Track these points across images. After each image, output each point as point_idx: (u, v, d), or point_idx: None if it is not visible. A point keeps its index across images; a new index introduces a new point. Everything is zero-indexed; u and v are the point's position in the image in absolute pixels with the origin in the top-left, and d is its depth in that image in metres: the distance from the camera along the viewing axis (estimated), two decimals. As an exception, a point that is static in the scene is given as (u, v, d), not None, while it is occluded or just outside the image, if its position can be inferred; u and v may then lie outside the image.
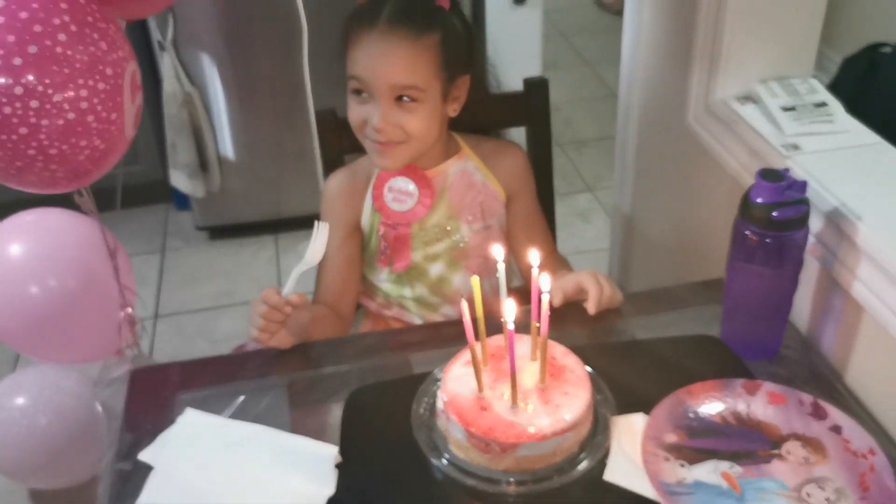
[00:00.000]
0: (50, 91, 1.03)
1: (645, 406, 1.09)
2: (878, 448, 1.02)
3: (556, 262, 1.50)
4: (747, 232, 1.11)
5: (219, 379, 1.24)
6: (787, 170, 1.10)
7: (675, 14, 1.59)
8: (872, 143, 1.31)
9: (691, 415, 1.09)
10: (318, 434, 1.11)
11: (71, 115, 1.05)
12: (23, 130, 1.03)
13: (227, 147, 2.82)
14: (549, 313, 1.03)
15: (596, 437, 1.06)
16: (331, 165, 1.55)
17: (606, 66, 4.07)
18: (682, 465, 1.03)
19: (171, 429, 1.12)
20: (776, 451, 1.04)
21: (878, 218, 1.12)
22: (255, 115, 2.79)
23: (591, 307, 1.26)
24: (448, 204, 1.43)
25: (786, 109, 1.35)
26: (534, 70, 2.79)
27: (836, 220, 1.16)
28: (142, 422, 1.15)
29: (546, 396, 1.04)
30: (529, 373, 1.08)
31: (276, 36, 2.62)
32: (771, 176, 1.09)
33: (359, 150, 1.50)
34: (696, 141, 1.53)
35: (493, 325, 1.08)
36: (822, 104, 1.37)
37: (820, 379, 1.18)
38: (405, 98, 1.29)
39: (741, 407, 1.10)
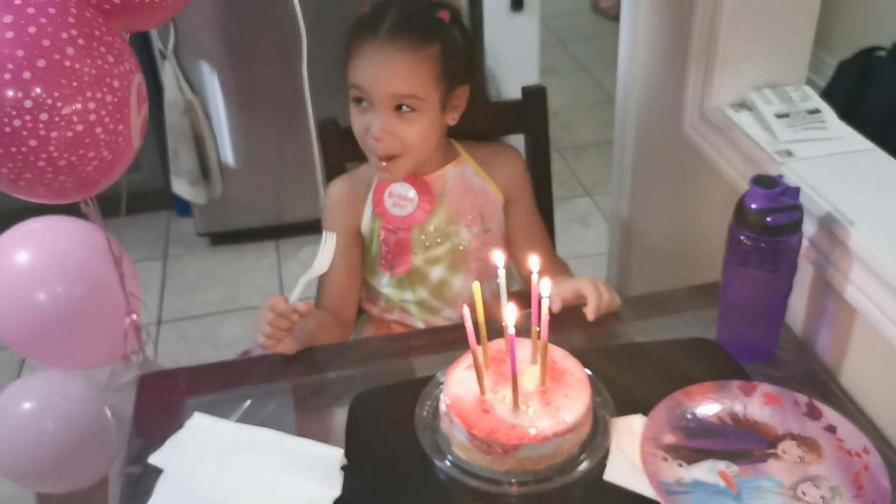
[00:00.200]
0: (59, 104, 1.05)
1: (643, 408, 1.12)
2: (872, 447, 1.04)
3: (556, 267, 1.52)
4: (742, 237, 1.13)
5: (226, 384, 1.26)
6: (780, 176, 1.13)
7: (670, 22, 1.61)
8: (865, 149, 1.33)
9: (689, 416, 1.11)
10: (324, 437, 1.13)
11: (79, 127, 1.07)
12: (32, 142, 1.05)
13: (229, 154, 2.84)
14: (548, 318, 1.05)
15: (596, 439, 1.08)
16: (333, 174, 1.56)
17: (604, 71, 4.09)
18: (681, 465, 1.05)
19: (179, 433, 1.14)
20: (772, 451, 1.06)
21: (869, 223, 1.14)
22: (256, 123, 2.81)
23: (590, 314, 1.28)
24: (447, 208, 1.45)
25: (779, 116, 1.38)
26: (532, 76, 2.80)
27: (829, 225, 1.18)
28: (151, 426, 1.17)
29: (547, 399, 1.06)
30: (530, 376, 1.10)
31: (276, 44, 2.64)
32: (765, 182, 1.11)
33: (360, 158, 1.52)
34: (693, 147, 1.56)
35: (495, 329, 1.10)
36: (816, 111, 1.39)
37: (815, 380, 1.21)
38: (404, 107, 1.31)
39: (738, 408, 1.12)
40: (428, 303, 1.50)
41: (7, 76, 1.02)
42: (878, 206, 1.19)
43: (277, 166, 2.88)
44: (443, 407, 1.09)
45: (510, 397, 1.05)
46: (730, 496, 1.00)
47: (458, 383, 1.09)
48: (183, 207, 3.10)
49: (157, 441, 1.13)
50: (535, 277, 1.10)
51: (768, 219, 1.10)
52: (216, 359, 2.45)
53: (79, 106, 1.07)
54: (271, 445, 1.11)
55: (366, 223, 1.47)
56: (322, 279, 1.47)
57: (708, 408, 1.12)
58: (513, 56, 2.77)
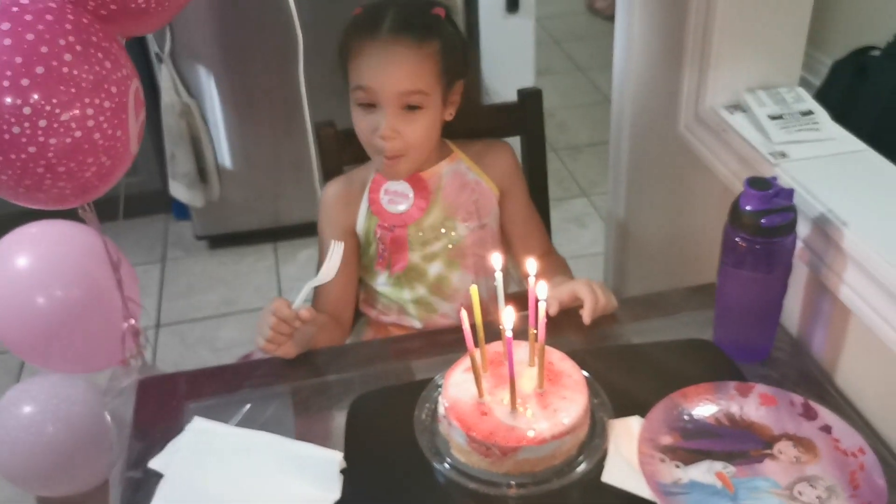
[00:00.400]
0: (57, 110, 1.05)
1: (641, 409, 1.12)
2: (868, 447, 1.05)
3: (554, 263, 1.53)
4: (737, 239, 1.14)
5: (225, 388, 1.26)
6: (774, 178, 1.14)
7: (664, 23, 1.62)
8: (857, 150, 1.34)
9: (686, 417, 1.12)
10: (323, 440, 1.14)
11: (78, 134, 1.08)
12: (31, 149, 1.05)
13: (226, 157, 2.85)
14: (545, 321, 1.06)
15: (594, 440, 1.09)
16: (330, 176, 1.57)
17: (599, 71, 4.11)
18: (678, 466, 1.05)
19: (179, 437, 1.15)
20: (768, 451, 1.07)
21: (863, 224, 1.15)
22: (253, 125, 2.82)
23: (586, 317, 1.29)
24: (443, 204, 1.46)
25: (773, 118, 1.38)
26: (527, 77, 2.81)
27: (823, 226, 1.19)
28: (151, 430, 1.18)
29: (545, 401, 1.07)
30: (528, 378, 1.10)
31: (272, 47, 2.65)
32: (759, 184, 1.12)
33: (358, 160, 1.53)
34: (688, 148, 1.56)
35: (492, 331, 1.11)
36: (809, 112, 1.40)
37: (810, 380, 1.21)
38: (411, 106, 1.32)
39: (734, 408, 1.13)
40: (426, 300, 1.50)
41: (5, 83, 1.03)
42: (871, 207, 1.20)
43: (275, 168, 2.89)
44: (441, 410, 1.10)
45: (508, 400, 1.06)
46: (727, 497, 1.01)
47: (457, 386, 1.10)
48: (180, 210, 3.11)
49: (158, 445, 1.14)
50: (531, 280, 1.11)
51: (763, 220, 1.11)
52: (215, 362, 2.47)
53: (77, 112, 1.08)
54: (271, 449, 1.12)
55: (361, 222, 1.48)
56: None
57: (704, 409, 1.13)
58: (508, 57, 2.78)
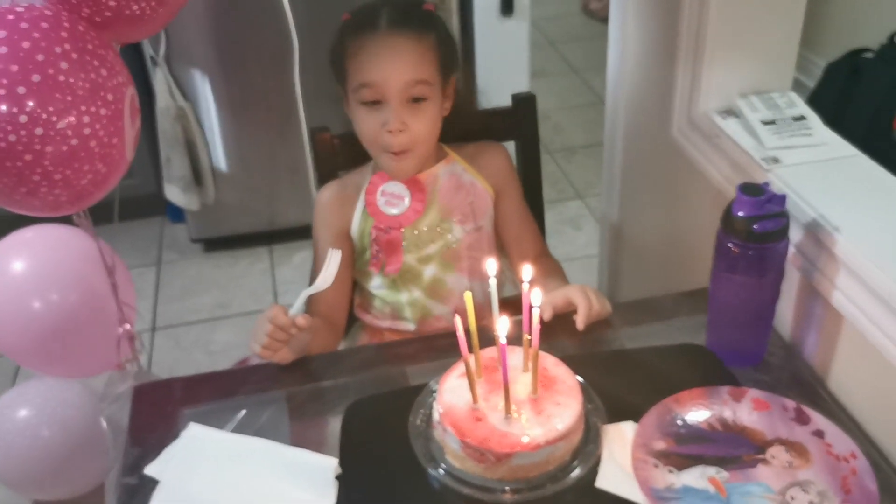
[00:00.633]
0: (53, 118, 1.06)
1: (634, 414, 1.13)
2: (860, 451, 1.05)
3: (548, 266, 1.53)
4: (730, 244, 1.15)
5: (221, 394, 1.27)
6: (766, 184, 1.14)
7: (658, 26, 1.63)
8: (849, 155, 1.35)
9: (679, 422, 1.13)
10: (318, 446, 1.14)
11: (74, 141, 1.08)
12: (28, 157, 1.06)
13: (221, 160, 2.85)
14: (539, 327, 1.06)
15: (587, 446, 1.09)
16: (325, 181, 1.57)
17: (594, 73, 4.11)
18: (671, 471, 1.06)
19: (175, 443, 1.15)
20: (761, 456, 1.08)
21: (855, 229, 1.16)
22: (248, 128, 2.82)
23: (579, 322, 1.29)
24: (439, 206, 1.46)
25: (766, 123, 1.39)
26: (522, 80, 2.82)
27: (815, 232, 1.19)
28: (147, 437, 1.18)
29: (538, 407, 1.08)
30: (522, 384, 1.11)
31: (267, 50, 2.65)
32: (751, 190, 1.12)
33: (353, 166, 1.53)
34: (681, 152, 1.57)
35: (487, 336, 1.11)
36: (801, 118, 1.40)
37: (803, 384, 1.22)
38: (415, 98, 1.34)
39: (727, 413, 1.14)
40: (421, 302, 1.51)
41: (1, 91, 1.03)
42: (863, 213, 1.21)
43: (270, 171, 2.89)
44: (436, 416, 1.10)
45: (502, 405, 1.06)
46: (720, 502, 1.02)
47: (451, 392, 1.10)
48: (176, 213, 3.11)
49: (153, 451, 1.14)
50: (525, 287, 1.11)
51: (755, 226, 1.12)
52: (210, 365, 2.48)
53: (73, 120, 1.08)
54: (266, 455, 1.12)
55: (356, 224, 1.48)
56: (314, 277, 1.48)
57: (698, 414, 1.14)
58: (503, 60, 2.78)
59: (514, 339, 1.10)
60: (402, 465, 1.09)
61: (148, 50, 2.62)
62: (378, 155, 1.41)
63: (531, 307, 1.07)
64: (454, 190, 1.48)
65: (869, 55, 3.05)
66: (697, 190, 1.55)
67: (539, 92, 1.63)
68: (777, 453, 1.08)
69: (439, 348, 1.31)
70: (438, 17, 1.41)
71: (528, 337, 1.09)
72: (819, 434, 1.09)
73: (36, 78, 1.05)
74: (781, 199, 1.13)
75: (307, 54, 2.18)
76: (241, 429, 1.18)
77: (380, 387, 1.25)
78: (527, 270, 1.13)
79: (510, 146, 1.64)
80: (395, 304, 1.52)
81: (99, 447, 1.49)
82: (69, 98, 1.07)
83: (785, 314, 1.30)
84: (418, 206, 1.45)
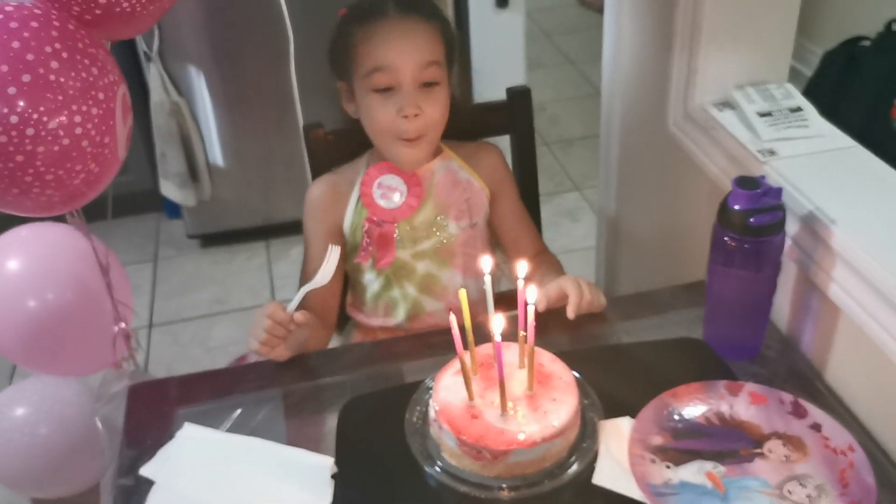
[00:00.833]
0: (45, 118, 1.05)
1: (631, 409, 1.12)
2: (857, 445, 1.05)
3: (546, 262, 1.53)
4: (726, 238, 1.14)
5: (216, 393, 1.26)
6: (762, 177, 1.14)
7: (653, 17, 1.62)
8: (846, 146, 1.34)
9: (676, 417, 1.12)
10: (315, 444, 1.14)
11: (66, 141, 1.08)
12: (19, 158, 1.05)
13: (217, 155, 2.84)
14: (535, 324, 1.06)
15: (584, 442, 1.09)
16: (319, 176, 1.57)
17: (591, 64, 4.10)
18: (668, 467, 1.06)
19: (170, 444, 1.15)
20: (758, 450, 1.08)
21: (851, 221, 1.15)
22: (244, 123, 2.81)
23: (570, 311, 1.28)
24: (435, 201, 1.46)
25: (762, 115, 1.38)
26: (518, 72, 2.81)
27: (812, 224, 1.19)
28: (142, 437, 1.18)
29: (535, 403, 1.07)
30: (518, 380, 1.11)
31: (262, 44, 2.64)
32: (747, 184, 1.12)
33: (347, 161, 1.53)
34: (677, 145, 1.56)
35: (482, 333, 1.11)
36: (798, 109, 1.40)
37: (800, 377, 1.22)
38: (427, 83, 1.34)
39: (724, 408, 1.14)
40: (414, 298, 1.50)
41: (-9, 92, 1.02)
42: (860, 205, 1.20)
43: (266, 166, 2.89)
44: (432, 413, 1.10)
45: (498, 402, 1.06)
46: (717, 497, 1.01)
47: (447, 389, 1.10)
48: (172, 209, 3.11)
49: (149, 452, 1.14)
50: (520, 283, 1.11)
51: (751, 220, 1.11)
52: (208, 361, 2.48)
53: (64, 120, 1.07)
54: (262, 455, 1.12)
55: (349, 218, 1.46)
56: (304, 280, 1.47)
57: (695, 408, 1.13)
58: (499, 52, 2.78)
59: (510, 335, 1.09)
60: (399, 463, 1.09)
61: (141, 45, 2.61)
62: (390, 144, 1.39)
63: (526, 304, 1.07)
64: (451, 186, 1.47)
65: (866, 44, 3.04)
66: (694, 183, 1.55)
67: (535, 84, 1.63)
68: (774, 447, 1.08)
69: (435, 345, 1.31)
70: (439, 7, 1.41)
71: (524, 333, 1.09)
72: (816, 427, 1.09)
73: (26, 78, 1.04)
74: (777, 192, 1.12)
75: (303, 48, 2.18)
76: (236, 428, 1.17)
77: (376, 384, 1.25)
78: (522, 266, 1.13)
79: (505, 140, 1.64)
80: (388, 300, 1.51)
81: (97, 445, 1.48)
82: (60, 98, 1.06)
83: (782, 307, 1.30)
84: (414, 201, 1.44)
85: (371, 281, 1.51)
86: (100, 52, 1.15)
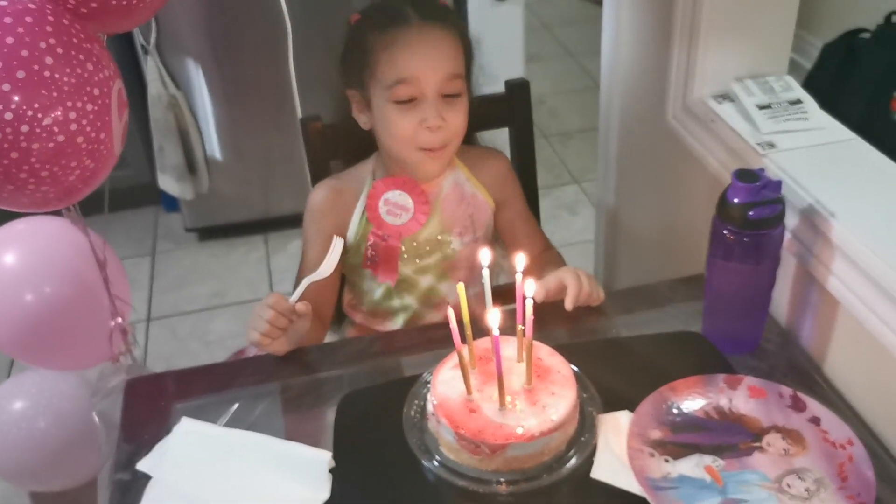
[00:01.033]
0: (39, 115, 1.04)
1: (630, 403, 1.12)
2: (856, 438, 1.05)
3: (549, 258, 1.52)
4: (725, 231, 1.14)
5: (214, 387, 1.26)
6: (762, 170, 1.13)
7: (652, 10, 1.61)
8: (845, 139, 1.34)
9: (675, 410, 1.12)
10: (312, 438, 1.14)
11: (61, 138, 1.07)
12: (14, 155, 1.04)
13: (215, 149, 2.84)
14: (533, 317, 1.05)
15: (583, 436, 1.09)
16: (318, 170, 1.56)
17: (590, 57, 4.09)
18: (667, 461, 1.05)
19: (167, 438, 1.14)
20: (757, 444, 1.07)
21: (850, 215, 1.15)
22: (242, 117, 2.80)
23: (568, 303, 1.28)
24: (440, 217, 1.44)
25: (761, 107, 1.38)
26: (517, 65, 2.80)
27: (811, 217, 1.19)
28: (139, 431, 1.17)
29: (533, 397, 1.07)
30: (516, 374, 1.10)
31: (260, 37, 2.63)
32: (746, 177, 1.11)
33: (345, 155, 1.52)
34: (677, 139, 1.56)
35: (480, 328, 1.10)
36: (797, 101, 1.39)
37: (799, 371, 1.22)
38: (448, 94, 1.31)
39: (723, 401, 1.13)
40: (415, 309, 1.50)
41: (-14, 88, 1.02)
42: (860, 198, 1.20)
43: (264, 160, 2.88)
44: (430, 407, 1.09)
45: (497, 396, 1.06)
46: (716, 490, 1.01)
47: (445, 383, 1.10)
48: (170, 203, 3.10)
49: (146, 446, 1.14)
50: (518, 277, 1.10)
51: (750, 213, 1.11)
52: (206, 354, 2.48)
53: (60, 116, 1.06)
54: (259, 449, 1.11)
55: (353, 228, 1.45)
56: (300, 280, 1.46)
57: (694, 402, 1.13)
58: (498, 45, 2.75)
59: (509, 328, 1.09)
60: (397, 457, 1.08)
61: (139, 38, 2.60)
62: (410, 153, 1.36)
63: (524, 298, 1.06)
64: (456, 202, 1.46)
65: (865, 36, 3.04)
66: (693, 176, 1.54)
67: (534, 76, 1.62)
68: (773, 441, 1.08)
69: (433, 339, 1.31)
70: (455, 12, 1.38)
71: (522, 327, 1.09)
72: (815, 421, 1.09)
73: (21, 74, 1.03)
74: (777, 185, 1.12)
75: (301, 41, 2.17)
76: (234, 422, 1.17)
77: (374, 378, 1.25)
78: (520, 259, 1.12)
79: (504, 133, 1.63)
80: (388, 308, 1.51)
81: (94, 439, 1.48)
82: (55, 94, 1.06)
83: (781, 301, 1.29)
84: (421, 217, 1.41)
85: (372, 288, 1.50)
86: (95, 47, 1.15)
